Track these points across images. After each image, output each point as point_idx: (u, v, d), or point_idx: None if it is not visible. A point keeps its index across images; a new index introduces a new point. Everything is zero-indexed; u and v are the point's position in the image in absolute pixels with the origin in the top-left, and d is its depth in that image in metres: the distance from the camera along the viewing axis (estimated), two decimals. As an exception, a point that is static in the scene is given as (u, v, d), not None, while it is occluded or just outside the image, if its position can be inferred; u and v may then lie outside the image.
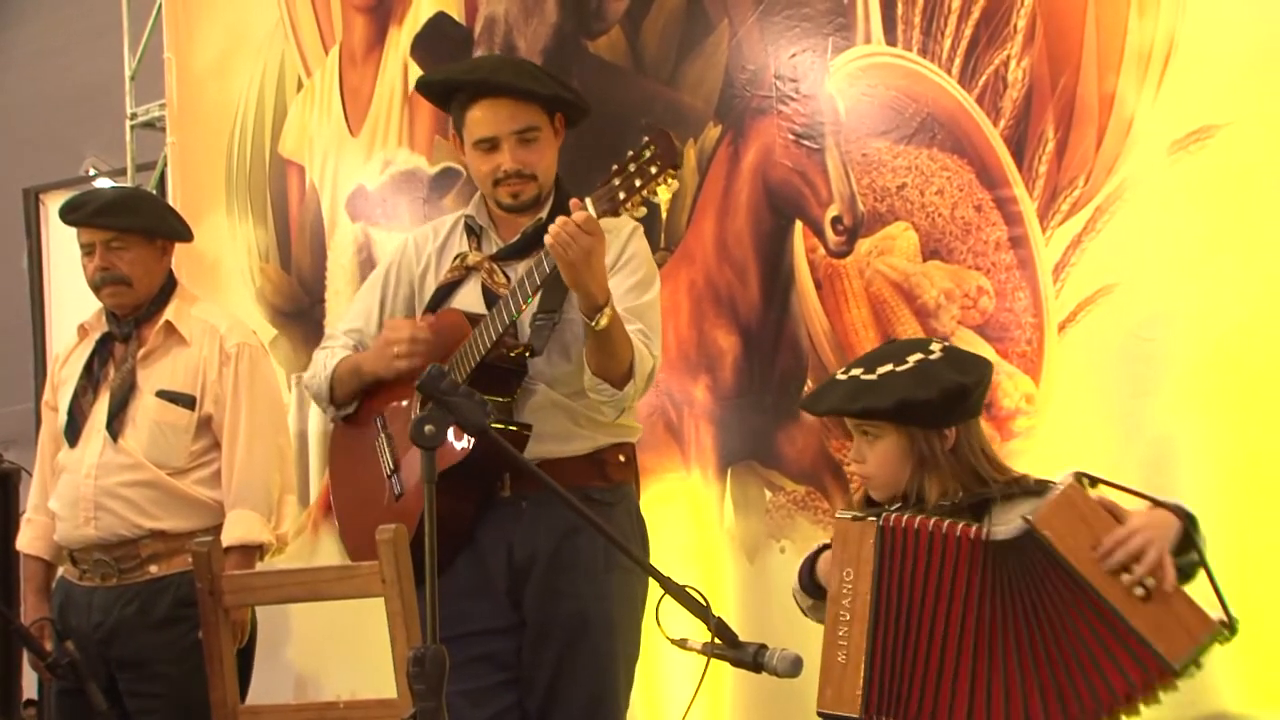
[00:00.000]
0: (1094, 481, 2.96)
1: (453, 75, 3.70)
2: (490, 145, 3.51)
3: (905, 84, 4.31)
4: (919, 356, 3.10)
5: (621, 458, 3.58)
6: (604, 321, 3.29)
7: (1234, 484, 3.73)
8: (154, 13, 6.27)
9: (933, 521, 2.99)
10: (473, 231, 3.63)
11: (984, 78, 4.18)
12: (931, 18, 4.27)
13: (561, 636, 3.50)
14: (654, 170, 3.23)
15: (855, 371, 3.15)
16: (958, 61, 4.23)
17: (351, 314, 3.78)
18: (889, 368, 3.10)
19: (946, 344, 3.18)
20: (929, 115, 4.27)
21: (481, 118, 3.52)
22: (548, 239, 3.26)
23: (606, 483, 3.52)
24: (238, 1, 5.99)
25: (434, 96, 3.74)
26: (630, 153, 3.26)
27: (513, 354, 3.42)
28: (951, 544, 2.97)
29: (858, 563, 3.03)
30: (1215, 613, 2.87)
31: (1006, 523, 2.95)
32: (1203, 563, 2.89)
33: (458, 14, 5.36)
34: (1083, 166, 4.02)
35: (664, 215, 4.82)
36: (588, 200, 3.27)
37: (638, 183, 3.24)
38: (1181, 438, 3.82)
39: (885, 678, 3.02)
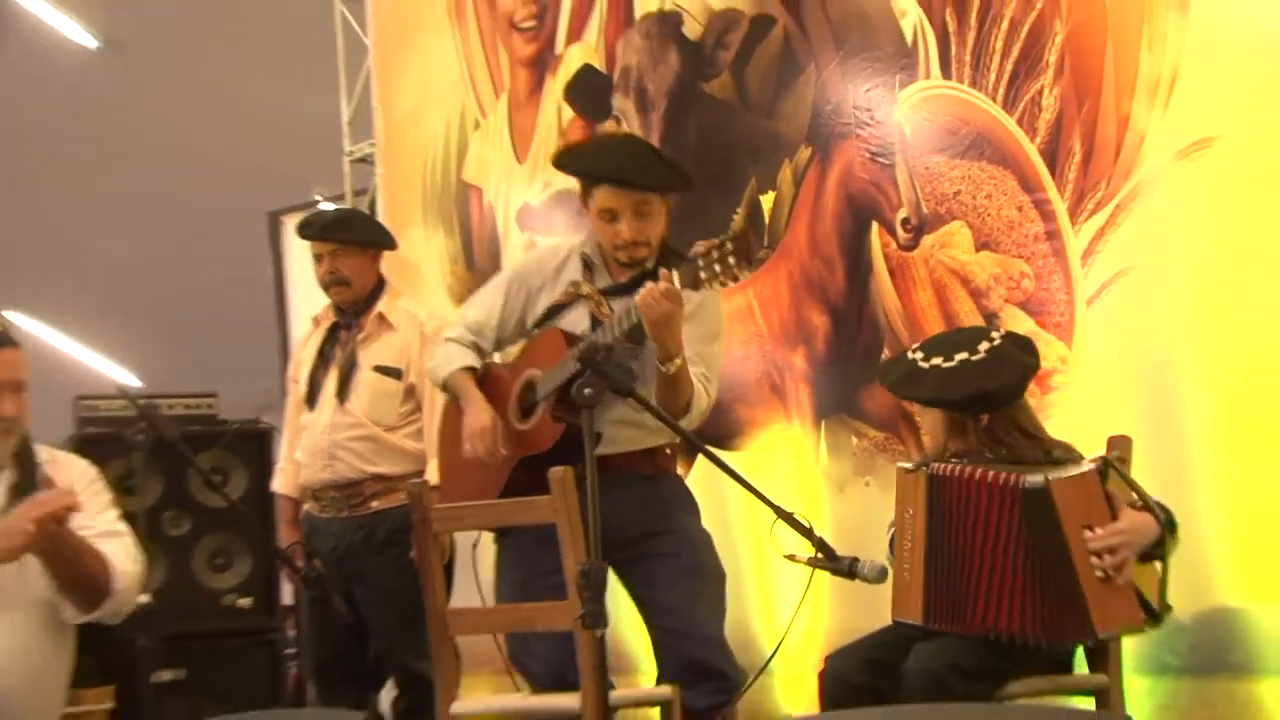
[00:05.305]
0: (1105, 472, 2.96)
1: (584, 166, 3.57)
2: (612, 216, 3.44)
3: (959, 110, 4.28)
4: (964, 356, 3.08)
5: (668, 450, 3.54)
6: (673, 369, 3.28)
7: (1231, 418, 3.71)
8: (364, 72, 6.35)
9: (977, 471, 3.00)
10: (588, 265, 3.54)
11: (1023, 104, 4.14)
12: (979, 56, 4.24)
13: (668, 548, 3.44)
14: (731, 263, 3.12)
15: (916, 355, 3.15)
16: (1001, 91, 4.19)
17: (477, 306, 3.67)
18: (938, 361, 3.09)
19: (995, 343, 3.13)
20: (978, 135, 4.24)
21: (605, 194, 3.45)
22: (638, 297, 3.22)
23: (654, 469, 3.48)
24: (428, 60, 6.04)
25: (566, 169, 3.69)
26: (717, 241, 3.16)
27: None
28: (987, 488, 2.98)
29: (914, 503, 3.05)
30: (1157, 601, 2.98)
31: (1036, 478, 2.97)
32: (1163, 561, 2.96)
33: (600, 64, 5.36)
34: (1104, 173, 3.97)
35: (766, 220, 4.81)
36: (675, 274, 3.20)
37: (717, 269, 3.14)
38: (1187, 386, 3.78)
39: (939, 592, 3.03)
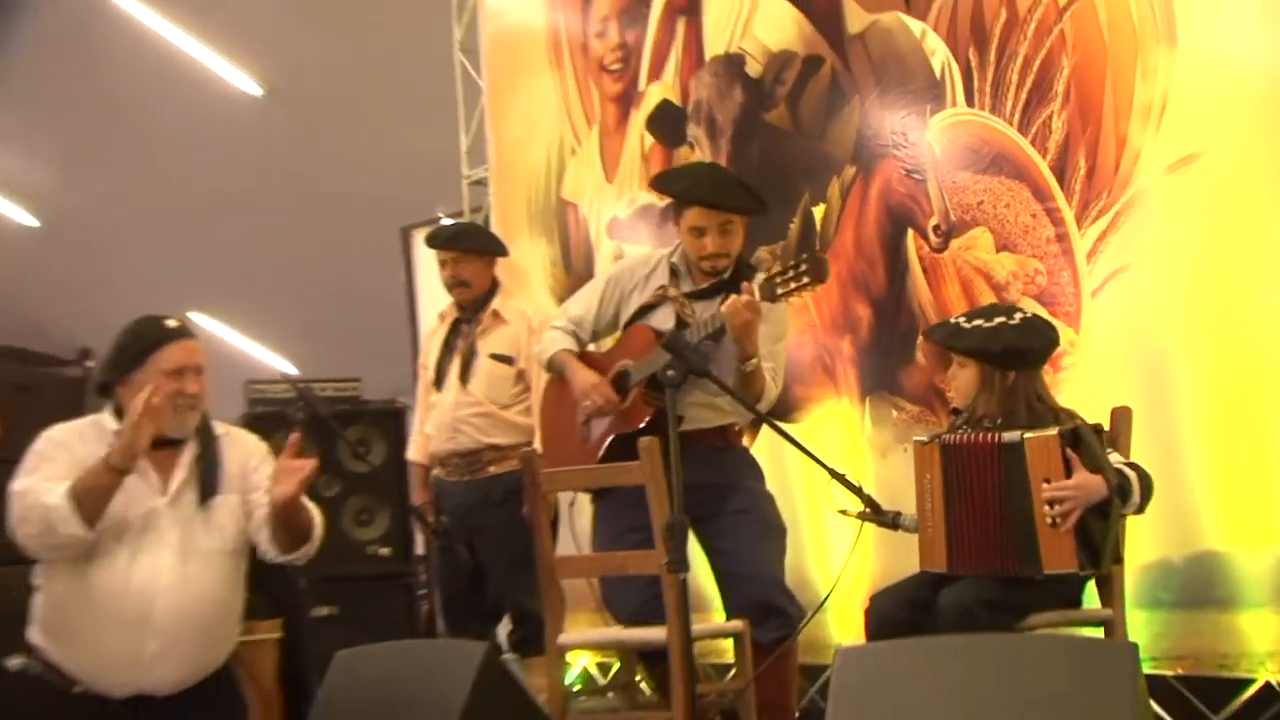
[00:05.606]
0: (1075, 440, 2.92)
1: (679, 189, 3.54)
2: (699, 232, 3.45)
3: (981, 133, 4.25)
4: (1002, 320, 3.08)
5: (736, 428, 3.55)
6: (750, 368, 3.29)
7: (1215, 390, 3.68)
8: (479, 109, 6.39)
9: (977, 435, 2.99)
10: (674, 272, 3.56)
11: (1035, 127, 4.10)
12: (998, 87, 4.21)
13: (736, 505, 3.44)
14: (805, 280, 3.14)
15: (960, 319, 3.15)
16: (1017, 117, 4.16)
17: (578, 303, 3.68)
18: (980, 322, 3.09)
19: (1028, 315, 3.13)
20: (998, 154, 4.20)
21: (695, 214, 3.46)
22: (724, 307, 3.23)
23: (725, 442, 3.49)
24: (533, 97, 6.06)
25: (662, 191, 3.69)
26: (793, 261, 3.18)
27: None
28: (981, 449, 2.97)
29: (931, 470, 3.04)
30: (1105, 551, 2.94)
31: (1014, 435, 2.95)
32: (1107, 519, 2.90)
33: (676, 99, 5.36)
34: (1105, 184, 3.94)
35: (818, 228, 4.80)
36: (755, 287, 3.22)
37: (792, 285, 3.17)
38: (1178, 364, 3.75)
39: (960, 542, 3.01)
